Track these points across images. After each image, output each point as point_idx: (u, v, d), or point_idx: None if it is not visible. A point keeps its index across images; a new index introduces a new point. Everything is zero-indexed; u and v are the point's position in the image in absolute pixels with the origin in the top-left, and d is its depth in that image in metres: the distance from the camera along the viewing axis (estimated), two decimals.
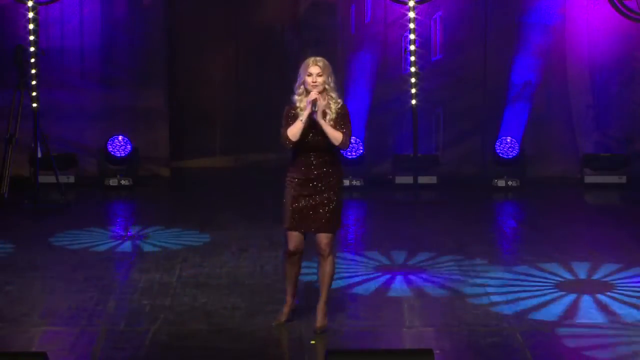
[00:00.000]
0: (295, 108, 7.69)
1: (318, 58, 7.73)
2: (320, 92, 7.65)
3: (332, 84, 7.71)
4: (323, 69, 7.66)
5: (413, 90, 13.72)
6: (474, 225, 12.00)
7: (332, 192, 7.74)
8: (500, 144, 14.62)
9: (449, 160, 15.10)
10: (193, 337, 7.82)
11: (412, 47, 13.74)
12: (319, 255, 7.85)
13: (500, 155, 14.58)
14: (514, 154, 14.58)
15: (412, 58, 13.76)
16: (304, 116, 7.58)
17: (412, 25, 13.69)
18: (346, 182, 14.38)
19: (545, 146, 15.17)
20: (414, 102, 13.74)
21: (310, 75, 7.64)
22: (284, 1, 15.68)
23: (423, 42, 14.19)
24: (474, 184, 14.63)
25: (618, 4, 14.05)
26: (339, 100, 7.75)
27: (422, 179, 14.13)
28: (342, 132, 7.65)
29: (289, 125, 7.65)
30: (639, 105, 15.01)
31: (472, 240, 11.06)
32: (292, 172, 7.76)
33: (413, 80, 13.73)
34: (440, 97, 15.10)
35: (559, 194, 14.27)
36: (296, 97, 7.71)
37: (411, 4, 13.68)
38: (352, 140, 7.91)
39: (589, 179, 14.64)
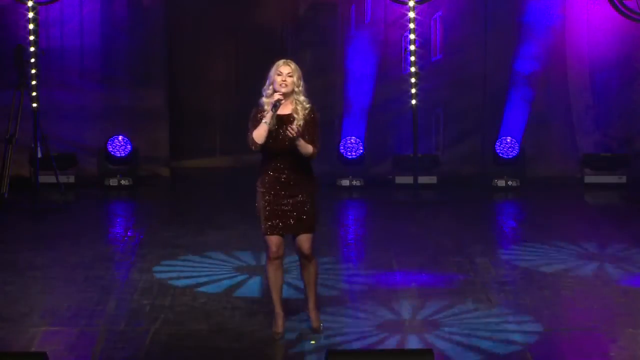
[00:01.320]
0: (262, 111, 7.63)
1: (288, 60, 7.69)
2: (288, 94, 7.60)
3: (300, 87, 7.65)
4: (294, 70, 7.61)
5: (413, 90, 13.72)
6: (474, 225, 12.00)
7: (306, 193, 7.69)
8: (500, 144, 14.62)
9: (449, 160, 15.10)
10: (193, 337, 7.82)
11: (412, 47, 13.74)
12: (301, 258, 7.81)
13: (500, 155, 14.58)
14: (514, 154, 14.58)
15: (412, 58, 13.76)
16: (267, 118, 7.55)
17: (412, 25, 13.69)
18: (346, 182, 14.40)
19: (545, 146, 15.17)
20: (414, 102, 13.74)
21: (280, 74, 7.59)
22: (284, 1, 15.67)
23: (423, 42, 14.18)
24: (474, 184, 14.63)
25: (618, 4, 14.04)
26: (307, 105, 7.67)
27: (422, 179, 14.13)
28: (314, 146, 7.56)
29: (255, 128, 7.61)
30: (639, 105, 15.01)
31: (472, 240, 11.06)
32: (263, 177, 7.70)
33: (413, 80, 13.73)
34: (440, 97, 15.09)
35: (559, 194, 14.26)
36: (264, 100, 7.65)
37: (411, 4, 13.68)
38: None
39: (589, 179, 14.64)
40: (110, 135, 14.53)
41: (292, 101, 7.64)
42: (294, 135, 7.43)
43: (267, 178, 7.67)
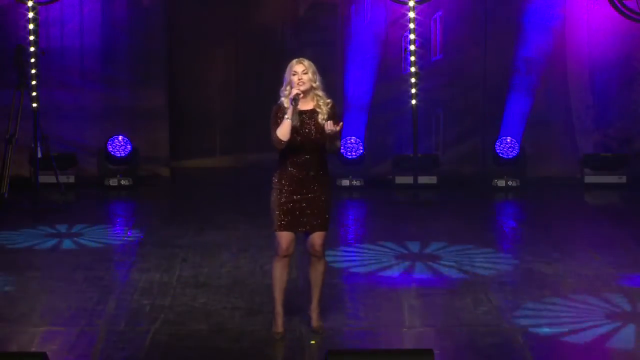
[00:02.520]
0: (283, 109, 7.64)
1: (301, 58, 7.71)
2: (306, 91, 7.62)
3: (317, 83, 7.68)
4: (307, 67, 7.63)
5: (413, 90, 13.73)
6: (474, 225, 12.00)
7: (322, 190, 7.70)
8: (500, 144, 14.63)
9: (449, 160, 15.10)
10: (193, 337, 7.82)
11: (412, 47, 13.74)
12: (312, 256, 7.80)
13: (500, 155, 14.59)
14: (514, 154, 14.59)
15: (412, 58, 13.76)
16: (289, 114, 7.56)
17: (412, 25, 13.70)
18: (346, 182, 14.40)
19: (545, 146, 15.17)
20: (414, 102, 13.74)
21: (295, 74, 7.61)
22: (284, 1, 15.68)
23: (423, 42, 14.19)
24: (474, 184, 14.63)
25: (618, 4, 14.05)
26: (328, 100, 7.70)
27: (422, 179, 14.14)
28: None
29: (277, 126, 7.62)
30: (639, 105, 15.01)
31: (472, 240, 11.05)
32: (282, 173, 7.70)
33: (413, 80, 13.73)
34: (440, 97, 15.10)
35: (559, 194, 14.27)
36: (283, 99, 7.67)
37: (411, 4, 13.68)
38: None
39: (589, 179, 14.64)
40: (110, 135, 14.54)
41: (313, 97, 7.66)
42: (335, 130, 7.43)
43: (285, 175, 7.66)
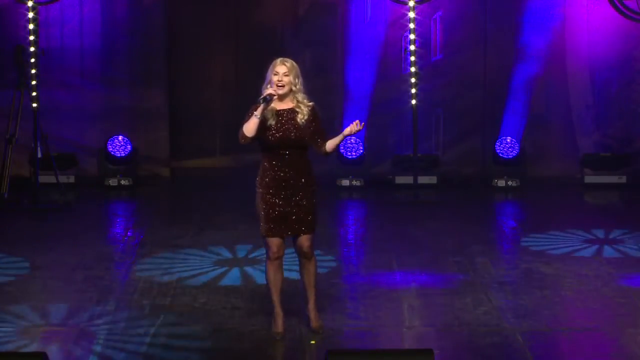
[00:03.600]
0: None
1: (286, 58, 7.65)
2: (286, 93, 7.58)
3: (299, 86, 7.61)
4: (290, 69, 7.56)
5: (413, 90, 13.72)
6: (474, 225, 12.00)
7: (306, 191, 7.65)
8: (500, 144, 14.63)
9: (449, 160, 15.11)
10: (193, 337, 7.82)
11: (412, 47, 13.74)
12: (301, 257, 7.79)
13: (500, 155, 14.59)
14: (514, 154, 14.59)
15: (412, 58, 13.76)
16: (258, 112, 7.52)
17: (412, 25, 13.69)
18: (346, 182, 14.40)
19: (545, 146, 15.18)
20: (414, 102, 13.73)
21: (276, 74, 7.56)
22: (284, 1, 15.68)
23: (423, 42, 14.19)
24: (474, 184, 14.63)
25: (618, 4, 14.05)
26: (310, 103, 7.64)
27: (422, 179, 14.14)
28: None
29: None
30: (639, 105, 15.01)
31: (472, 240, 11.05)
32: (263, 175, 7.66)
33: (413, 80, 13.73)
34: (440, 97, 15.10)
35: (559, 194, 14.27)
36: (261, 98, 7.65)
37: (411, 4, 13.68)
38: None
39: (589, 179, 14.64)
40: (110, 135, 14.54)
41: (292, 99, 7.62)
42: (359, 129, 7.42)
43: (267, 177, 7.64)
